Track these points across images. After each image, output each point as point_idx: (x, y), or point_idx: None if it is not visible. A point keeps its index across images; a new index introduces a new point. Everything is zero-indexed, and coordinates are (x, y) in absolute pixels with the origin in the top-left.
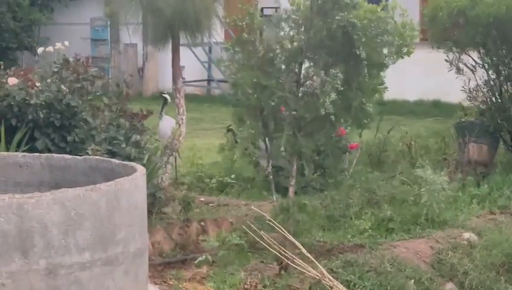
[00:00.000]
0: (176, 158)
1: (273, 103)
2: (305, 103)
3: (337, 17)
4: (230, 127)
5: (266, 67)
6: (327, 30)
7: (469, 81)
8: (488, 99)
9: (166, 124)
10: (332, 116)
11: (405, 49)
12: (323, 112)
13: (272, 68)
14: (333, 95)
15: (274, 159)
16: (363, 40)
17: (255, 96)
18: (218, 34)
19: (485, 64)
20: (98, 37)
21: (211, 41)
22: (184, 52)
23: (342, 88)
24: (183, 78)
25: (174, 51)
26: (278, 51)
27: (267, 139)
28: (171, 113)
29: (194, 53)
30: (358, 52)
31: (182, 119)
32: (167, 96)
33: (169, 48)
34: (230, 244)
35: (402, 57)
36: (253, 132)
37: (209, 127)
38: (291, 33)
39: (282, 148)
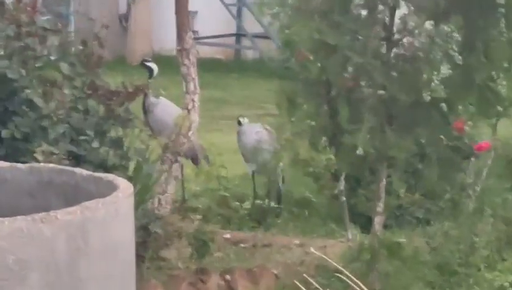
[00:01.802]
0: (182, 167)
1: (346, 75)
2: (400, 75)
3: None
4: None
5: (336, 15)
6: None
7: None
8: None
9: (165, 111)
10: (443, 104)
11: None
12: (429, 97)
13: (346, 16)
14: (445, 69)
15: (342, 168)
16: None
17: (318, 64)
18: None
19: None
20: None
21: None
22: None
23: (460, 56)
24: (194, 33)
25: None
26: None
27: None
28: (172, 90)
29: None
30: None
31: (192, 101)
32: (152, 65)
33: None
34: None
35: None
36: (313, 123)
37: (237, 114)
38: None
39: (359, 150)
